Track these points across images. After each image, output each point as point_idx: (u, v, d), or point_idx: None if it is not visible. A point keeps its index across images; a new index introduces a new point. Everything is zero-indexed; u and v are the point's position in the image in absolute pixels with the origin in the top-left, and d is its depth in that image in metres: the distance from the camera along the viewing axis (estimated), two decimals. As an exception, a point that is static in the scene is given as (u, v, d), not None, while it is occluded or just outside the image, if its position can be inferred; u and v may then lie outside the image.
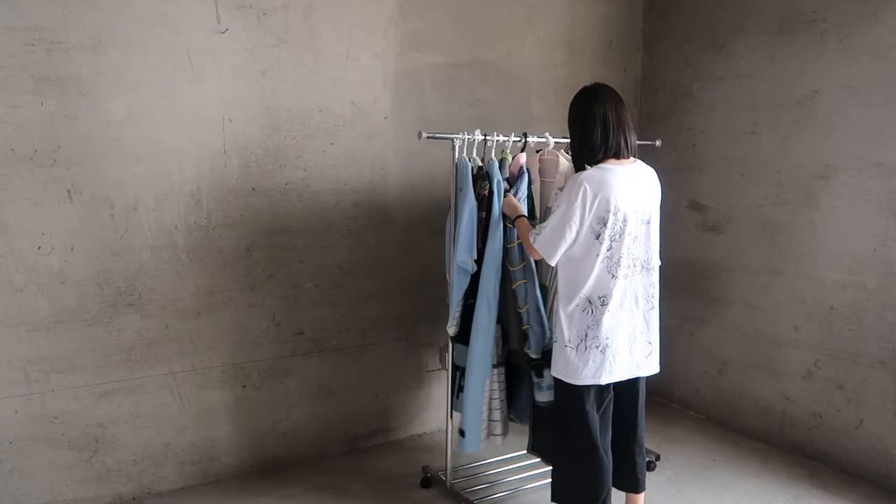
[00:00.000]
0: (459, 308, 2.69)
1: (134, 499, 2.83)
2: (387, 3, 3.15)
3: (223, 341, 2.94)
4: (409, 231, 3.34)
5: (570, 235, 2.17)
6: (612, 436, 2.41)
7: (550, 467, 2.53)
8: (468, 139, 2.67)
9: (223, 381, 2.97)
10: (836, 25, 3.07)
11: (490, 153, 2.74)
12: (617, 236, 2.17)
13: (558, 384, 2.36)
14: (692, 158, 3.77)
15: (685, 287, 3.85)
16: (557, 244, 2.20)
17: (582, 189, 2.13)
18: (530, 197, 2.72)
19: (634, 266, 2.25)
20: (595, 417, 2.32)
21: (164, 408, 2.85)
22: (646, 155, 3.74)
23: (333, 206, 3.13)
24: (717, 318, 3.71)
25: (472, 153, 2.71)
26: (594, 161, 2.22)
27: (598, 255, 2.17)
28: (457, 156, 2.67)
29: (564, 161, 2.81)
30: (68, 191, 2.57)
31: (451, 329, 2.72)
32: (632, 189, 2.20)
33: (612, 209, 2.14)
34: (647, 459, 3.16)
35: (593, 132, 2.20)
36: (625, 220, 2.17)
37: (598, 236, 2.16)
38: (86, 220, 2.61)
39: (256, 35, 2.85)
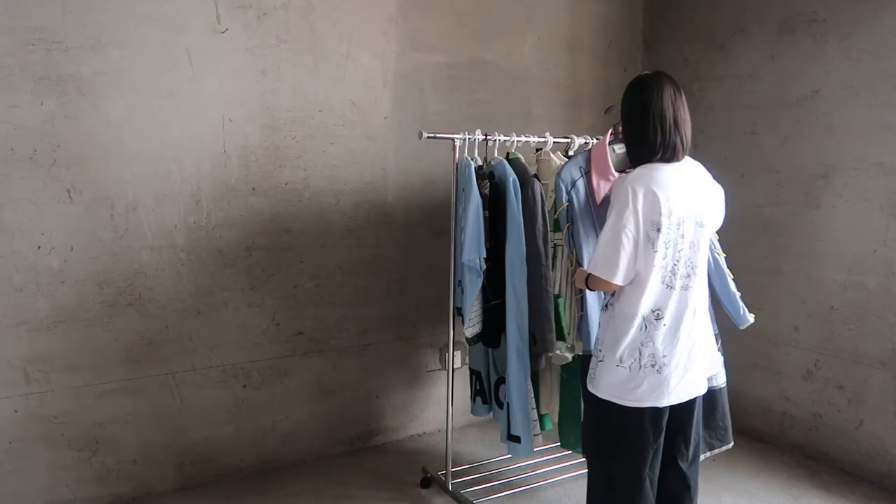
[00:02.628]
0: (479, 309, 2.63)
1: (134, 499, 2.83)
2: (387, 3, 3.15)
3: (223, 341, 2.94)
4: (408, 231, 3.34)
5: (628, 245, 1.91)
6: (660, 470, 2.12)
7: (550, 468, 2.50)
8: (468, 139, 2.67)
9: (223, 381, 2.97)
10: (836, 25, 3.07)
11: (492, 153, 2.74)
12: (671, 242, 1.94)
13: (604, 406, 2.06)
14: (692, 158, 3.76)
15: (685, 287, 3.84)
16: (616, 259, 1.92)
17: (631, 192, 1.91)
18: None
19: (691, 276, 2.00)
20: (647, 445, 2.04)
21: (164, 408, 2.85)
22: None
23: (333, 206, 3.13)
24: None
25: (472, 153, 2.71)
26: (645, 161, 2.00)
27: (653, 266, 1.93)
28: (457, 155, 2.66)
29: (557, 162, 2.80)
30: (68, 191, 2.57)
31: (471, 330, 2.63)
32: (684, 189, 1.98)
33: (665, 212, 1.91)
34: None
35: (648, 129, 1.97)
36: (680, 224, 1.94)
37: (653, 244, 1.92)
38: (86, 220, 2.61)
39: (256, 35, 2.85)
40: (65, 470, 2.68)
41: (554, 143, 2.83)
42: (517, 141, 2.74)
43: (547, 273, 2.60)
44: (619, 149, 2.32)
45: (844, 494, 2.95)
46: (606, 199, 2.20)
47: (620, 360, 1.99)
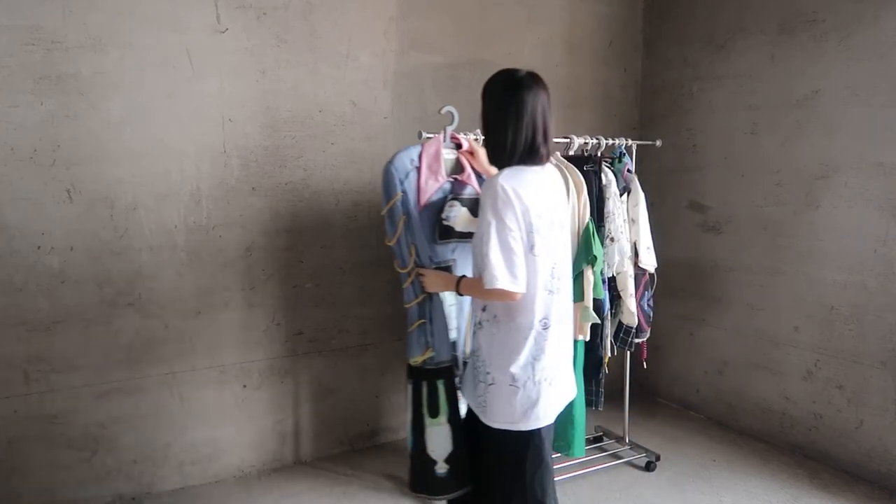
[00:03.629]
0: None
1: (134, 499, 2.83)
2: (387, 3, 3.15)
3: (223, 341, 2.94)
4: (409, 231, 3.34)
5: (519, 250, 1.77)
6: None
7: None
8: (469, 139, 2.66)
9: (223, 381, 2.97)
10: (837, 25, 3.07)
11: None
12: (546, 245, 1.83)
13: (498, 436, 1.88)
14: (692, 158, 3.77)
15: (685, 287, 3.85)
16: (514, 266, 1.76)
17: (512, 194, 1.77)
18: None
19: (562, 278, 1.90)
20: (549, 466, 1.93)
21: (164, 408, 2.85)
22: (646, 155, 3.76)
23: (333, 206, 3.13)
24: (717, 318, 3.70)
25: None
26: (510, 162, 1.86)
27: (537, 271, 1.82)
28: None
29: (554, 162, 2.80)
30: (68, 191, 2.57)
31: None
32: (548, 192, 1.88)
33: (538, 214, 1.80)
34: (647, 460, 3.17)
35: (520, 130, 1.83)
36: (550, 226, 1.84)
37: (531, 248, 1.80)
38: (86, 220, 2.61)
39: (256, 35, 2.85)
40: (65, 470, 2.68)
41: (554, 142, 2.83)
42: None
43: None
44: (450, 154, 2.23)
45: (844, 494, 2.95)
46: (431, 204, 2.10)
47: (514, 380, 1.82)
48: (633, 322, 2.95)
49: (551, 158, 2.76)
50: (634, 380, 3.46)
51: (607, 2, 3.84)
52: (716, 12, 3.60)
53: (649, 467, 3.13)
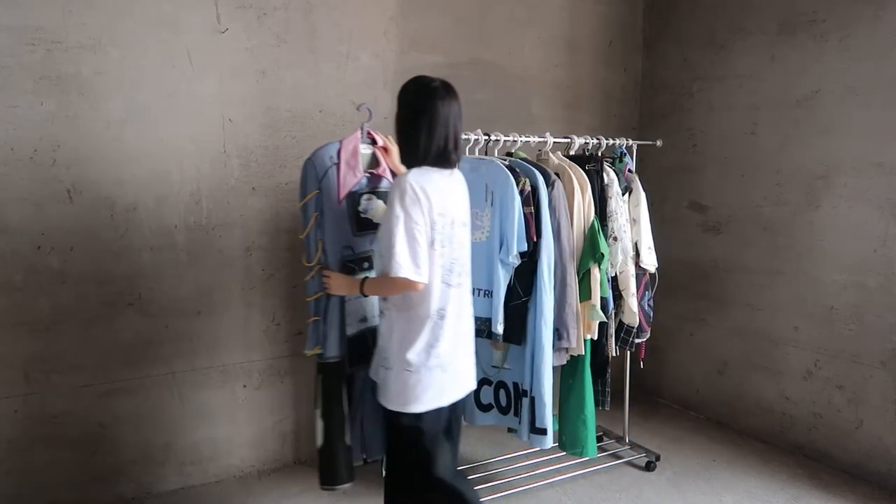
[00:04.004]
0: (502, 308, 2.62)
1: (134, 499, 2.83)
2: (387, 3, 3.15)
3: (223, 341, 2.94)
4: (409, 231, 3.34)
5: (424, 242, 1.90)
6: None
7: (550, 468, 2.49)
8: (469, 139, 2.67)
9: (223, 381, 2.97)
10: (836, 26, 3.07)
11: (492, 153, 2.74)
12: (447, 241, 1.97)
13: (395, 417, 2.04)
14: (692, 158, 3.77)
15: (685, 287, 3.85)
16: (417, 257, 1.89)
17: (420, 191, 1.90)
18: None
19: (462, 274, 2.05)
20: (446, 445, 2.07)
21: (164, 408, 2.85)
22: (646, 155, 3.77)
23: (333, 206, 3.13)
24: (717, 318, 3.71)
25: (473, 153, 2.71)
26: (420, 163, 1.98)
27: (435, 265, 1.95)
28: (466, 156, 2.61)
29: (556, 162, 2.80)
30: (68, 191, 2.57)
31: (500, 327, 2.60)
32: (452, 193, 2.02)
33: (440, 212, 1.93)
34: (647, 460, 3.17)
35: (433, 136, 1.96)
36: (452, 224, 1.98)
37: (432, 242, 1.93)
38: (86, 220, 2.61)
39: (256, 35, 2.85)
40: (65, 470, 2.68)
41: (554, 143, 2.84)
42: (517, 141, 2.74)
43: (570, 269, 2.66)
44: (366, 150, 2.32)
45: (844, 494, 2.95)
46: (349, 196, 2.22)
47: (409, 365, 1.95)
48: (635, 322, 2.95)
49: (553, 157, 2.78)
50: (634, 380, 3.46)
51: (607, 2, 3.84)
52: (716, 12, 3.60)
53: (649, 467, 3.13)
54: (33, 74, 2.45)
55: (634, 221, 3.02)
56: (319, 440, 2.25)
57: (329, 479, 2.29)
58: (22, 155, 2.48)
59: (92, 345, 2.67)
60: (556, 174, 2.71)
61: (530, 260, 2.59)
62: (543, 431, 2.62)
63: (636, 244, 3.01)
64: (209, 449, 2.98)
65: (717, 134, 3.64)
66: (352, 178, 2.24)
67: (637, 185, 3.03)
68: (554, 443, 2.91)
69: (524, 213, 2.53)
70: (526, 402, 2.66)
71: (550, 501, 2.86)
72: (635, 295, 2.94)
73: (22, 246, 2.51)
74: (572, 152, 2.92)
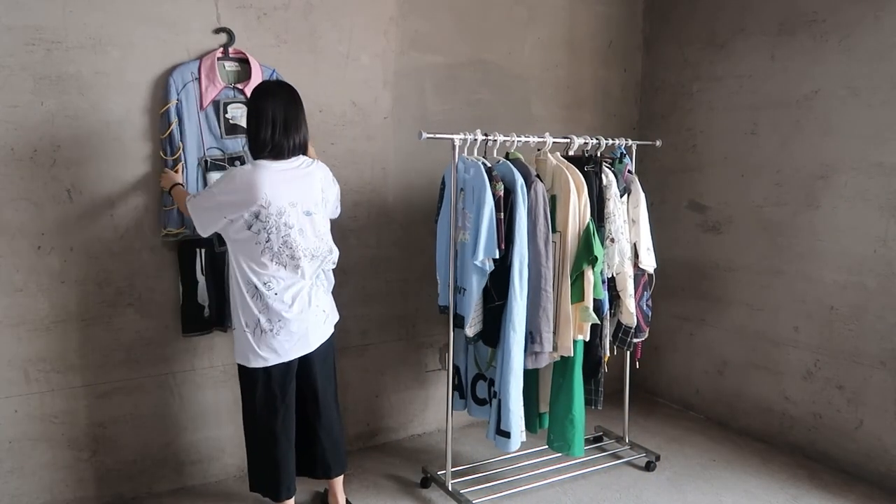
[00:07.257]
0: (480, 310, 2.66)
1: (134, 499, 2.83)
2: (387, 3, 3.15)
3: (223, 341, 2.94)
4: (409, 231, 3.34)
5: (215, 212, 2.28)
6: (297, 420, 2.50)
7: (550, 468, 2.51)
8: (468, 139, 2.67)
9: (223, 381, 2.96)
10: (837, 26, 3.07)
11: (491, 153, 2.74)
12: (274, 228, 2.26)
13: (239, 370, 2.45)
14: (692, 158, 3.77)
15: (685, 287, 3.85)
16: (205, 212, 2.32)
17: (238, 180, 2.25)
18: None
19: (304, 256, 2.34)
20: (272, 403, 2.41)
21: (164, 408, 2.85)
22: (646, 155, 3.76)
23: (333, 206, 3.13)
24: (717, 318, 3.71)
25: (472, 153, 2.71)
26: (258, 157, 2.32)
27: (257, 244, 2.26)
28: (457, 156, 2.66)
29: (554, 162, 2.80)
30: (68, 191, 2.57)
31: (472, 329, 2.66)
32: (289, 184, 2.29)
33: (264, 203, 2.23)
34: (647, 460, 3.16)
35: (261, 129, 2.28)
36: (282, 213, 2.26)
37: (250, 227, 2.25)
38: (86, 220, 2.61)
39: (256, 35, 2.85)
40: (65, 470, 2.68)
41: (554, 143, 2.83)
42: (517, 141, 2.74)
43: (547, 273, 2.64)
44: (230, 66, 2.73)
45: (844, 494, 2.95)
46: (214, 104, 2.69)
47: (246, 326, 2.33)
48: (633, 322, 2.96)
49: (551, 157, 2.77)
50: (634, 380, 3.46)
51: (607, 2, 3.84)
52: (716, 12, 3.60)
53: (649, 467, 3.13)
54: (33, 74, 2.45)
55: (633, 222, 3.02)
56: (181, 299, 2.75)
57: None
58: (22, 155, 2.48)
59: (92, 345, 2.67)
60: (538, 176, 2.68)
61: (503, 264, 2.60)
62: (507, 434, 2.65)
63: (635, 245, 3.01)
64: (209, 449, 2.98)
65: (716, 134, 3.64)
66: (213, 89, 2.68)
67: (636, 187, 3.03)
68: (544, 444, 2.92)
69: (496, 219, 2.55)
70: (495, 402, 2.70)
71: (550, 501, 2.87)
72: (633, 296, 2.94)
73: (22, 246, 2.51)
74: (572, 152, 2.92)
